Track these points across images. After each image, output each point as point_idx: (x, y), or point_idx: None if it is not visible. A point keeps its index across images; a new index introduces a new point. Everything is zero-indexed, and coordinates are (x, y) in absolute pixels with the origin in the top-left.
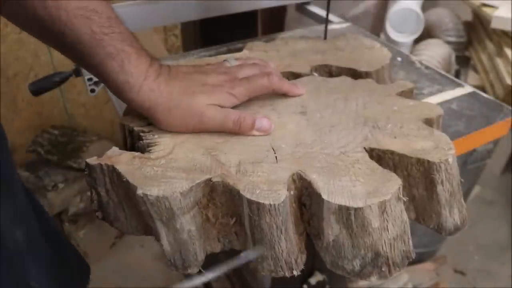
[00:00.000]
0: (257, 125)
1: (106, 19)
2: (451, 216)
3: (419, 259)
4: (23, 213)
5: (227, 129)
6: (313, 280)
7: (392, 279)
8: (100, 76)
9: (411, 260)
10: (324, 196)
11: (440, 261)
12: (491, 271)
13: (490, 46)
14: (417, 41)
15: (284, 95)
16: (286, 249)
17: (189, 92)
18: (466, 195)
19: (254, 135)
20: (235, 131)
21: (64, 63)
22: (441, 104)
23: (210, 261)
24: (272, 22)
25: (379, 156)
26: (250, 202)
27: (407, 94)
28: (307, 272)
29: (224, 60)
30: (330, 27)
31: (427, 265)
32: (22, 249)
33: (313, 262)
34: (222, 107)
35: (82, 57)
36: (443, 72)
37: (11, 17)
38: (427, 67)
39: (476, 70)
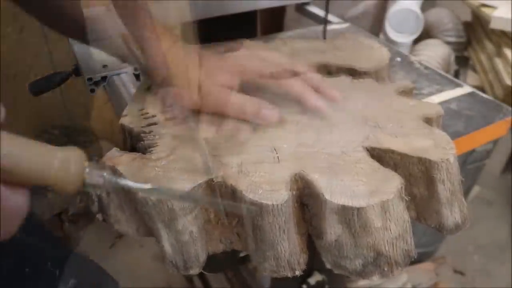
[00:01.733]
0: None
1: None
2: (452, 215)
3: (418, 259)
4: None
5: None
6: (312, 280)
7: (392, 279)
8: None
9: (412, 259)
10: (326, 196)
11: (440, 261)
12: (491, 271)
13: (489, 46)
14: (416, 41)
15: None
16: (289, 250)
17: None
18: (465, 195)
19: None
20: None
21: (64, 63)
22: (440, 104)
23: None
24: (272, 22)
25: (380, 156)
26: (252, 202)
27: (407, 93)
28: (307, 272)
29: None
30: (330, 27)
31: (427, 265)
32: None
33: (313, 262)
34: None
35: None
36: (442, 72)
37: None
38: (426, 67)
39: (475, 70)
